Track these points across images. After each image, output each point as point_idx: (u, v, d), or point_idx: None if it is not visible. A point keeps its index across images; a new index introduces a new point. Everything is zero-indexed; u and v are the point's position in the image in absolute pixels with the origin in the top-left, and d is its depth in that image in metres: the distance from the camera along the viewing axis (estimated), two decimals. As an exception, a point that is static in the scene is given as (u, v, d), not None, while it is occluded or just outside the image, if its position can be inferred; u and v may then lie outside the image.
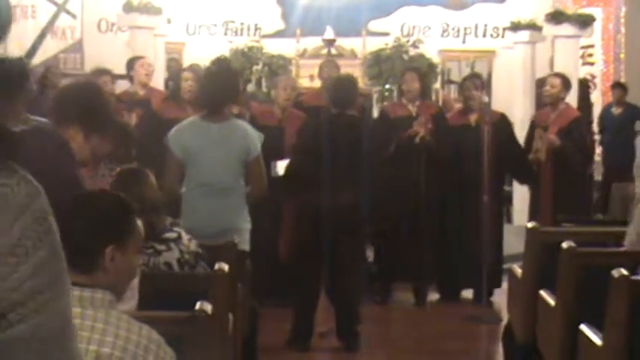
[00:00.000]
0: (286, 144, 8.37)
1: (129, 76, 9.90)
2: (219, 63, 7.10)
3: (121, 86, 10.16)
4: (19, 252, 1.31)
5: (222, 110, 6.25)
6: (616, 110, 12.32)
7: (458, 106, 10.08)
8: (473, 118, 9.01)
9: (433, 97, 13.71)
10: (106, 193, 3.40)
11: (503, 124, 9.09)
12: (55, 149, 3.82)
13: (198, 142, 6.15)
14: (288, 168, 7.59)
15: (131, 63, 9.86)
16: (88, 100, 4.13)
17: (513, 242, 9.27)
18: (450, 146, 8.93)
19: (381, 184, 8.12)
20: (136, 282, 3.93)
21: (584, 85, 13.02)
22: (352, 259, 7.27)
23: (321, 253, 7.17)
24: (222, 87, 6.31)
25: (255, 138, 6.25)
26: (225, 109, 6.30)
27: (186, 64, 12.71)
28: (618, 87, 12.66)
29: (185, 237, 4.82)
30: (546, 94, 9.27)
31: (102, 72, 9.24)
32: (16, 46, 13.55)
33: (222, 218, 6.05)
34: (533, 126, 9.37)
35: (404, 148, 8.74)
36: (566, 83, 9.22)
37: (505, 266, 8.37)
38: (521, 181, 9.50)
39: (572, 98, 11.37)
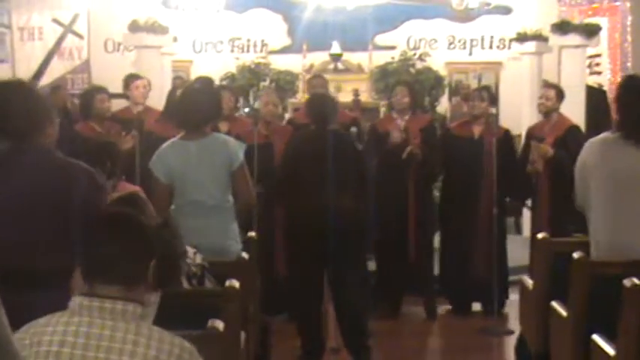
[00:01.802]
0: (276, 159, 8.30)
1: (125, 95, 9.89)
2: (202, 81, 6.98)
3: (121, 104, 10.15)
4: None
5: (201, 129, 6.11)
6: None
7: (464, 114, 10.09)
8: (477, 130, 9.02)
9: (443, 110, 13.75)
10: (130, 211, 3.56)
11: (505, 140, 9.08)
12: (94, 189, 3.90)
13: (180, 163, 6.02)
14: (276, 181, 7.64)
15: (127, 82, 9.83)
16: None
17: (523, 253, 9.25)
18: (445, 155, 8.96)
19: (376, 197, 8.18)
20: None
21: (602, 93, 12.99)
22: (350, 272, 7.23)
23: (318, 270, 7.16)
24: (204, 107, 6.19)
25: (236, 147, 6.11)
26: (205, 128, 6.16)
27: (193, 81, 12.75)
28: None
29: (190, 251, 4.83)
30: (541, 106, 9.25)
31: (98, 90, 9.24)
32: (23, 67, 13.63)
33: (211, 237, 5.91)
34: (528, 138, 9.38)
35: (395, 160, 8.76)
36: (559, 94, 9.23)
37: (516, 277, 8.35)
38: (515, 199, 9.39)
39: (580, 107, 11.38)
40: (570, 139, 8.99)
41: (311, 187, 7.12)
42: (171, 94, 9.49)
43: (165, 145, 6.23)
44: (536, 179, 9.08)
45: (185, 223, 5.90)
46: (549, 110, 9.14)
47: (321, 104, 7.60)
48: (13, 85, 4.11)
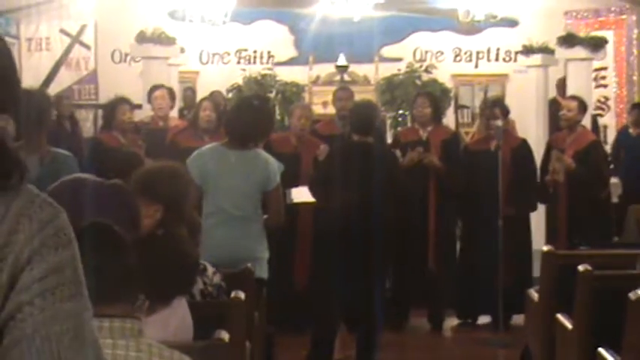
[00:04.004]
0: (302, 171, 8.38)
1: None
2: (261, 99, 7.08)
3: (136, 116, 10.19)
4: (36, 259, 1.42)
5: (247, 143, 6.26)
6: (634, 131, 12.24)
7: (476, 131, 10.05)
8: (493, 142, 8.98)
9: (448, 123, 13.74)
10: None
11: (523, 149, 9.05)
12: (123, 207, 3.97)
13: (217, 168, 6.15)
14: (313, 181, 7.66)
15: (150, 93, 9.92)
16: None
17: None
18: (465, 171, 8.91)
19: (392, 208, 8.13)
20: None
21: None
22: (370, 285, 7.23)
23: (338, 279, 7.14)
24: (258, 124, 6.29)
25: (275, 168, 6.24)
26: (251, 143, 6.30)
27: (200, 92, 12.76)
28: (637, 108, 12.56)
29: (210, 270, 4.82)
30: (563, 118, 9.22)
31: (121, 101, 9.28)
32: (31, 77, 13.65)
33: (241, 247, 6.03)
34: (549, 148, 9.35)
35: (414, 172, 8.74)
36: (582, 106, 9.18)
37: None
38: (523, 209, 9.29)
39: (587, 120, 11.36)
40: (590, 154, 8.97)
41: (347, 198, 7.09)
42: (188, 106, 9.52)
43: (204, 148, 6.40)
44: (554, 190, 9.05)
45: (214, 232, 5.98)
46: (571, 122, 9.09)
47: (366, 114, 7.56)
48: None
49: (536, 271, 8.82)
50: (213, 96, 10.22)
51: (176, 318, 3.90)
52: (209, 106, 8.87)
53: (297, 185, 8.15)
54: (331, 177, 7.30)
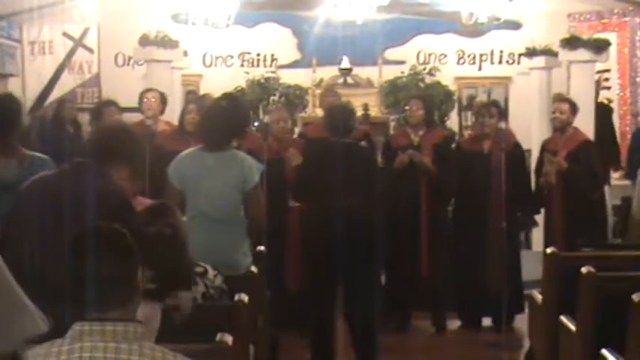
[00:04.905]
0: (287, 174, 8.36)
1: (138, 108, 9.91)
2: (230, 99, 7.07)
3: (133, 119, 10.15)
4: None
5: (222, 145, 6.22)
6: None
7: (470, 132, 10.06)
8: (487, 144, 8.97)
9: (452, 125, 13.75)
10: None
11: (515, 152, 9.02)
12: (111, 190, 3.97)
13: (194, 172, 6.12)
14: (295, 184, 7.69)
15: (140, 96, 9.88)
16: (134, 143, 4.39)
17: (533, 268, 9.23)
18: (458, 172, 8.90)
19: (389, 211, 8.15)
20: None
21: (607, 109, 12.97)
22: (366, 284, 7.23)
23: (333, 279, 7.15)
24: (227, 124, 6.25)
25: (253, 168, 6.19)
26: (226, 145, 6.26)
27: (202, 96, 12.76)
28: None
29: (211, 272, 4.82)
30: (556, 120, 9.25)
31: (108, 103, 9.28)
32: (34, 81, 13.68)
33: (222, 250, 5.93)
34: (542, 151, 9.37)
35: (408, 175, 8.75)
36: (573, 107, 9.21)
37: (525, 292, 8.35)
38: (524, 213, 9.30)
39: (589, 122, 11.36)
40: (582, 154, 8.98)
41: (328, 198, 7.12)
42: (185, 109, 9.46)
43: (184, 152, 6.38)
44: (549, 192, 9.06)
45: (195, 236, 5.93)
46: (564, 124, 9.12)
47: (341, 115, 7.61)
48: None
49: (536, 273, 8.88)
50: (202, 99, 10.20)
51: (157, 322, 3.91)
52: (194, 109, 8.75)
53: (284, 189, 8.18)
54: (311, 178, 7.36)
